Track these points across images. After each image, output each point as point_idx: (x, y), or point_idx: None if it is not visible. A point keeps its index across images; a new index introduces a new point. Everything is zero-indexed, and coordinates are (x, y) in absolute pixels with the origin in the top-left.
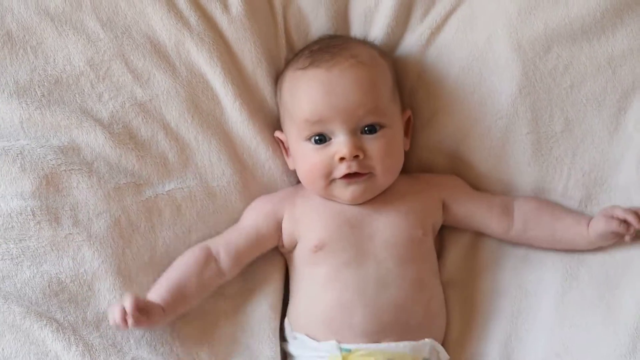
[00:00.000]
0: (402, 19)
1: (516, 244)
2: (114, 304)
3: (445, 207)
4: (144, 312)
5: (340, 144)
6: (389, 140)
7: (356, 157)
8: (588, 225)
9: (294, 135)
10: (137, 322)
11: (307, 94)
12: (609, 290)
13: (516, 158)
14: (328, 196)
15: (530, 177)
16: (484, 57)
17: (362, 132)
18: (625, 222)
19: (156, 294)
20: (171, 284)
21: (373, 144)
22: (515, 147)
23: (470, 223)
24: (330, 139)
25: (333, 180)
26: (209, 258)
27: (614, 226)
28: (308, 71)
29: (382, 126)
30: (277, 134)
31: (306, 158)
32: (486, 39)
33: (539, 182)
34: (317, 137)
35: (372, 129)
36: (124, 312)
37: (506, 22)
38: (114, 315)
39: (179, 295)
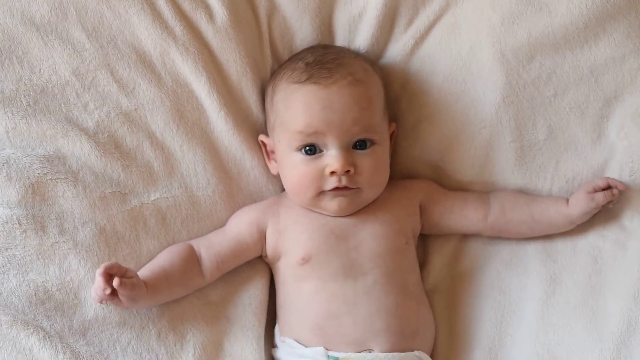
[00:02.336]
0: (386, 28)
1: (497, 236)
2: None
3: (422, 208)
4: (118, 272)
5: (332, 157)
6: (378, 156)
7: (347, 172)
8: (567, 204)
9: (284, 144)
10: (122, 287)
11: (304, 107)
12: (592, 295)
13: (500, 166)
14: (313, 207)
15: (514, 185)
16: (468, 66)
17: (353, 147)
18: (608, 188)
19: (140, 273)
20: (156, 269)
21: (363, 160)
22: (499, 155)
23: (447, 220)
24: (321, 150)
25: (322, 192)
26: (192, 256)
27: (600, 199)
28: (306, 86)
29: (372, 142)
30: (262, 137)
31: (295, 168)
32: (470, 48)
33: (522, 189)
34: (307, 148)
35: (362, 144)
36: (107, 275)
37: (490, 31)
38: (97, 281)
39: (163, 279)
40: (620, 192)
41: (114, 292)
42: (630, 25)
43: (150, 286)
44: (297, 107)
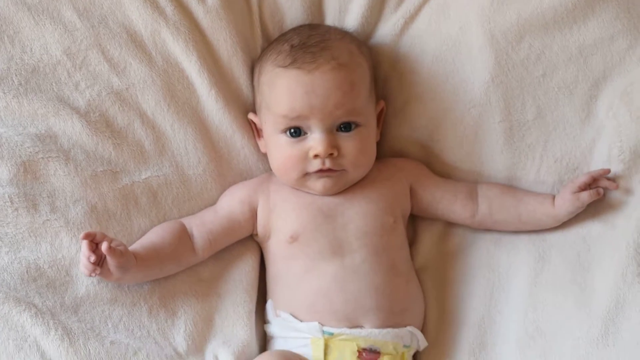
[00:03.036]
0: (376, 8)
1: (484, 229)
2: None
3: (412, 191)
4: (112, 251)
5: (315, 140)
6: (362, 138)
7: (330, 154)
8: (553, 204)
9: (269, 125)
10: (110, 252)
11: (287, 92)
12: (580, 272)
13: (489, 146)
14: (299, 187)
15: (503, 165)
16: (457, 47)
17: (337, 130)
18: (594, 183)
19: (130, 248)
20: (146, 243)
21: (347, 142)
22: (487, 135)
23: (435, 210)
24: (305, 133)
25: (306, 173)
26: (184, 233)
27: (585, 198)
28: (289, 71)
29: (357, 125)
30: (251, 116)
31: (280, 150)
32: (459, 28)
33: (511, 169)
34: (292, 130)
35: (347, 126)
36: (93, 244)
37: (479, 11)
38: (82, 248)
39: (153, 254)
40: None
41: (102, 263)
42: (619, 6)
43: (140, 258)
44: (280, 91)
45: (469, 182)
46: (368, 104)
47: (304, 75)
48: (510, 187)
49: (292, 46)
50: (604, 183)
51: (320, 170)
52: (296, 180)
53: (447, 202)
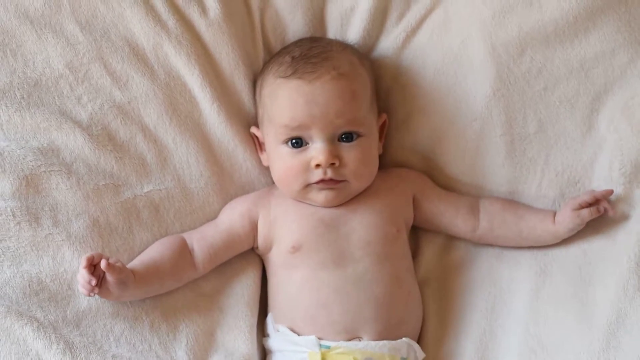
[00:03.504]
0: (378, 22)
1: (485, 244)
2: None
3: (415, 203)
4: (111, 268)
5: (317, 150)
6: (364, 149)
7: (332, 164)
8: (554, 221)
9: (271, 137)
10: (108, 268)
11: (288, 102)
12: (582, 287)
13: (490, 159)
14: (301, 199)
15: (504, 178)
16: (459, 60)
17: (339, 140)
18: (595, 203)
19: (129, 265)
20: (145, 259)
21: (349, 152)
22: (489, 148)
23: (438, 223)
24: (307, 143)
25: (308, 184)
26: (184, 248)
27: (586, 216)
28: (290, 81)
29: (359, 135)
30: (253, 129)
31: (282, 161)
32: (461, 42)
33: (512, 183)
34: (294, 141)
35: (349, 137)
36: (91, 267)
37: (481, 25)
38: (81, 274)
39: (152, 269)
40: (607, 205)
41: (101, 283)
42: (620, 19)
43: (139, 275)
44: (282, 102)
45: (471, 197)
46: (369, 115)
47: (305, 85)
48: (512, 203)
49: (293, 58)
50: (605, 204)
51: (322, 181)
52: (298, 191)
53: (449, 215)
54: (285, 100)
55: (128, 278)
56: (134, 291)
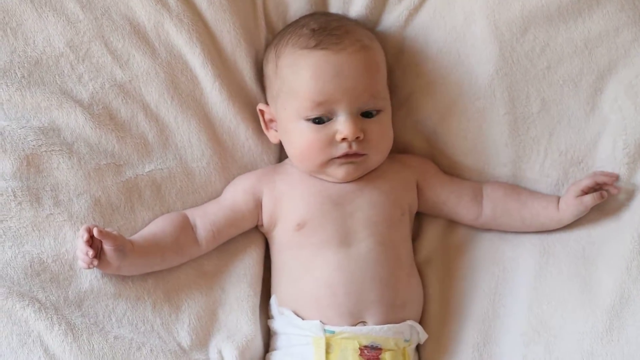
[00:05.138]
0: None
1: (487, 230)
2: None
3: (418, 189)
4: (105, 234)
5: (342, 123)
6: (385, 123)
7: (357, 138)
8: (557, 208)
9: (291, 112)
10: (103, 235)
11: (315, 74)
12: (585, 267)
13: (493, 138)
14: (319, 173)
15: (507, 157)
16: (462, 39)
17: (361, 115)
18: (599, 186)
19: (130, 238)
20: (145, 232)
21: (371, 126)
22: (492, 127)
23: (439, 211)
24: (329, 119)
25: (330, 159)
26: (186, 224)
27: (589, 202)
28: (315, 52)
29: (379, 110)
30: (261, 106)
31: (303, 136)
32: (464, 20)
33: (515, 162)
34: (316, 119)
35: (369, 113)
36: (90, 240)
37: (483, 3)
38: (78, 244)
39: (152, 242)
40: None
41: (100, 255)
42: None
43: (138, 244)
44: (306, 73)
45: (474, 183)
46: (386, 89)
47: (331, 56)
48: (515, 189)
49: (313, 30)
50: (609, 187)
51: (346, 155)
52: (319, 165)
53: (451, 204)
54: (311, 72)
55: (125, 246)
56: (133, 261)
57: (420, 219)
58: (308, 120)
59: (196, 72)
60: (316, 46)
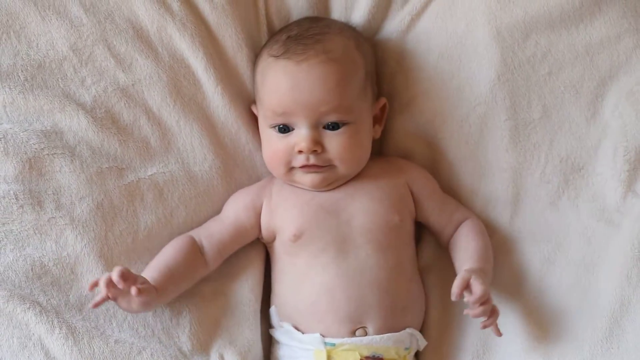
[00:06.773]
0: (383, 5)
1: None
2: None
3: (412, 195)
4: (130, 280)
5: (300, 136)
6: (351, 136)
7: (314, 151)
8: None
9: (261, 118)
10: (139, 292)
11: (275, 85)
12: (586, 275)
13: (494, 144)
14: (289, 181)
15: (508, 164)
16: (463, 44)
17: (324, 127)
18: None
19: (148, 275)
20: (161, 267)
21: (333, 140)
22: (493, 133)
23: (426, 222)
24: (293, 129)
25: (292, 168)
26: (195, 248)
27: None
28: (279, 61)
29: (345, 123)
30: (253, 107)
31: (269, 143)
32: (465, 25)
33: (516, 168)
34: (281, 127)
35: (334, 125)
36: (109, 280)
37: (485, 9)
38: (100, 283)
39: (169, 279)
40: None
41: (118, 295)
42: (625, 5)
43: (160, 289)
44: (269, 83)
45: (461, 214)
46: (359, 101)
47: (290, 67)
48: (469, 241)
49: (288, 37)
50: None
51: (305, 166)
52: (284, 174)
53: (433, 226)
54: (272, 83)
55: (152, 297)
56: (154, 305)
57: (420, 224)
58: (272, 127)
59: (198, 76)
60: (281, 55)
